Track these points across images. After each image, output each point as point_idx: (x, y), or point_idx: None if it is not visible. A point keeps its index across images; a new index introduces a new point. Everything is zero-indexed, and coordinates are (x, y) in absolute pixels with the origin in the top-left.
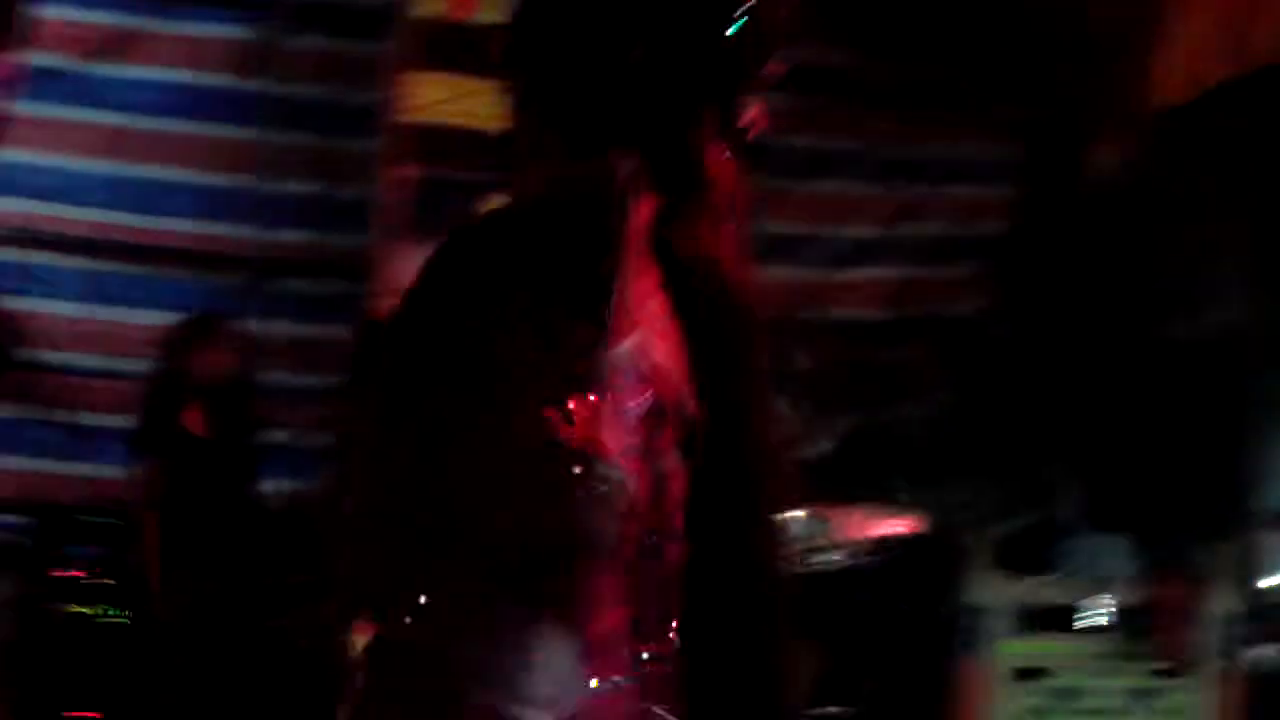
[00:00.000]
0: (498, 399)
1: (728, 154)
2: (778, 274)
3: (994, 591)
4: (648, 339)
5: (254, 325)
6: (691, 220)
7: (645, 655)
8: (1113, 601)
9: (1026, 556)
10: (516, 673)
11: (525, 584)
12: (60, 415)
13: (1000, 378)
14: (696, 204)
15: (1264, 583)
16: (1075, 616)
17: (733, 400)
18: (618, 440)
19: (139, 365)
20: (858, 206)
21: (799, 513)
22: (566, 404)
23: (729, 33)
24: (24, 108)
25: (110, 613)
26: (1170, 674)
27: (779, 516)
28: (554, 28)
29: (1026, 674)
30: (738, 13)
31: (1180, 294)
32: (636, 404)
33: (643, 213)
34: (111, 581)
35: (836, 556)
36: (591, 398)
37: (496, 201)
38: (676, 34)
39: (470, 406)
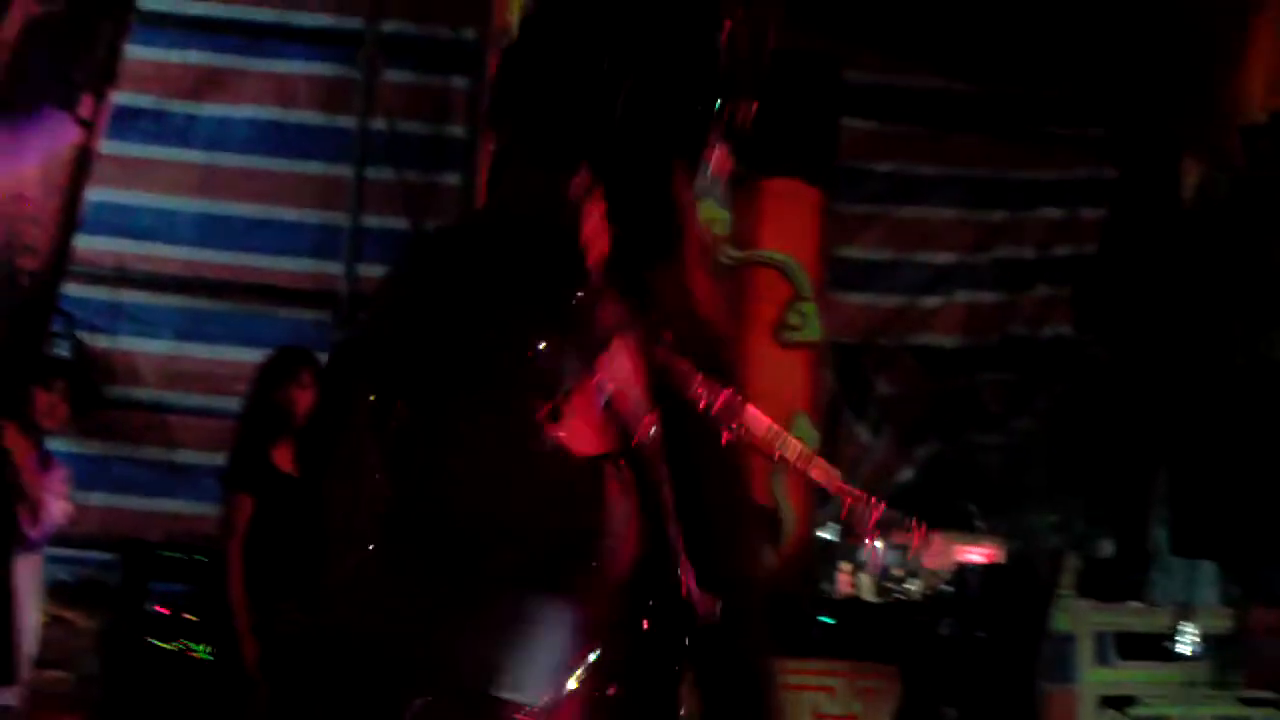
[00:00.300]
0: (484, 400)
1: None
2: (860, 300)
3: (1079, 619)
4: (614, 364)
5: None
6: (667, 266)
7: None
8: (1200, 629)
9: (1113, 584)
10: (504, 660)
11: (521, 577)
12: (149, 452)
13: (1087, 402)
14: (672, 250)
15: None
16: (1163, 644)
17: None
18: (594, 445)
19: (229, 402)
20: (941, 232)
21: (879, 542)
22: (546, 407)
23: (701, 86)
24: (115, 147)
25: (195, 649)
26: (1259, 702)
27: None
28: (539, 70)
29: (1113, 702)
30: (709, 65)
31: (1271, 314)
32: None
33: (599, 235)
34: (196, 618)
35: (916, 585)
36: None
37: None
38: (654, 87)
39: (458, 408)
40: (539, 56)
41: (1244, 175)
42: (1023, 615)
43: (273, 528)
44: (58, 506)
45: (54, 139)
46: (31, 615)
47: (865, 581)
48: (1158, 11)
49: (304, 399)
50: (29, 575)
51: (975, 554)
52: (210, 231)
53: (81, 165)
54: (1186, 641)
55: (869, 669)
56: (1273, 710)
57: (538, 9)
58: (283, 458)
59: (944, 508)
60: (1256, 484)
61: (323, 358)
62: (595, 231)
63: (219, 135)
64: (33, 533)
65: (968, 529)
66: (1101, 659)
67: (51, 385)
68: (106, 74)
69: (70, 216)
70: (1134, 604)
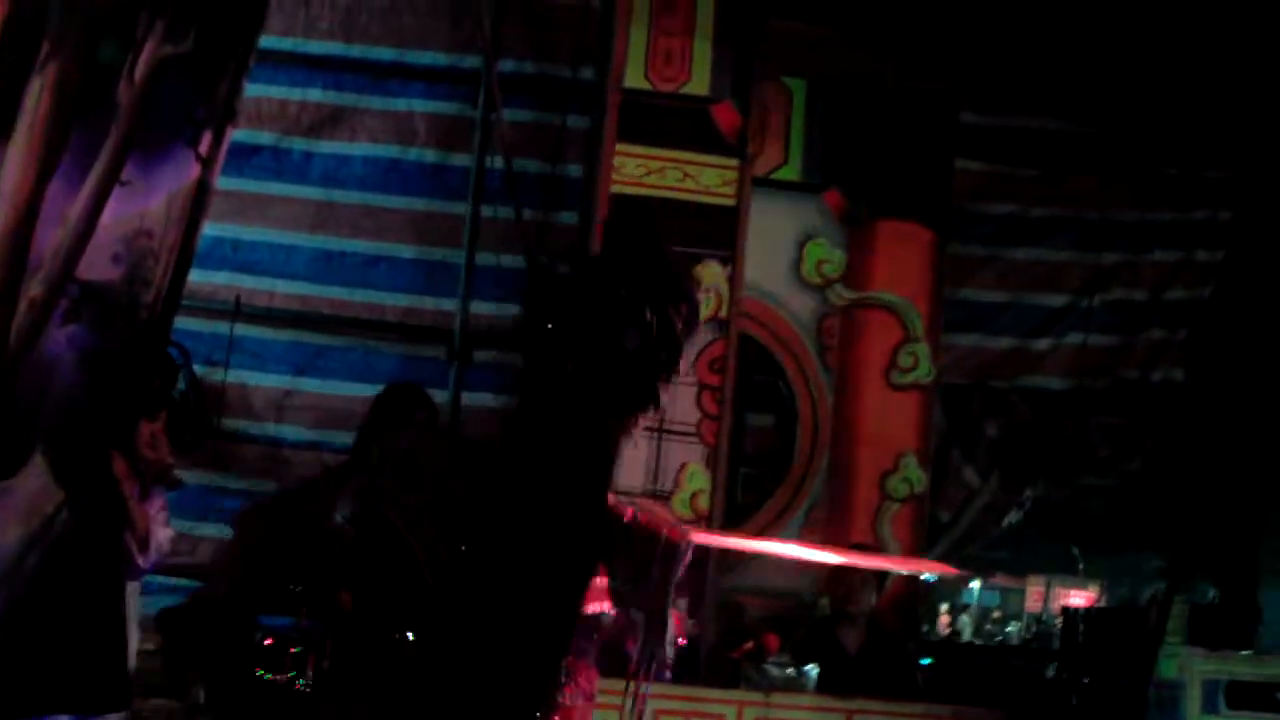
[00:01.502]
0: None
1: None
2: (971, 342)
3: (1187, 666)
4: None
5: (455, 397)
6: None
7: None
8: None
9: (1222, 630)
10: None
11: None
12: (261, 485)
13: (1196, 447)
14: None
15: None
16: (1274, 694)
17: None
18: None
19: (342, 436)
20: (1055, 273)
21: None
22: None
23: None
24: (234, 183)
25: (300, 680)
26: None
27: None
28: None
29: None
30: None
31: None
32: None
33: None
34: (301, 649)
35: (1016, 628)
36: None
37: None
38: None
39: None
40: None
41: None
42: (1129, 661)
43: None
44: (163, 534)
45: (179, 177)
46: (134, 642)
47: (965, 623)
48: (1273, 53)
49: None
50: (132, 603)
51: (1080, 597)
52: (326, 267)
53: (199, 201)
54: None
55: (973, 714)
56: None
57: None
58: None
59: (1049, 550)
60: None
61: (436, 394)
62: None
63: (336, 172)
64: (141, 561)
65: (1072, 572)
66: (1210, 708)
67: (155, 416)
68: (228, 111)
69: (187, 251)
70: (1244, 652)
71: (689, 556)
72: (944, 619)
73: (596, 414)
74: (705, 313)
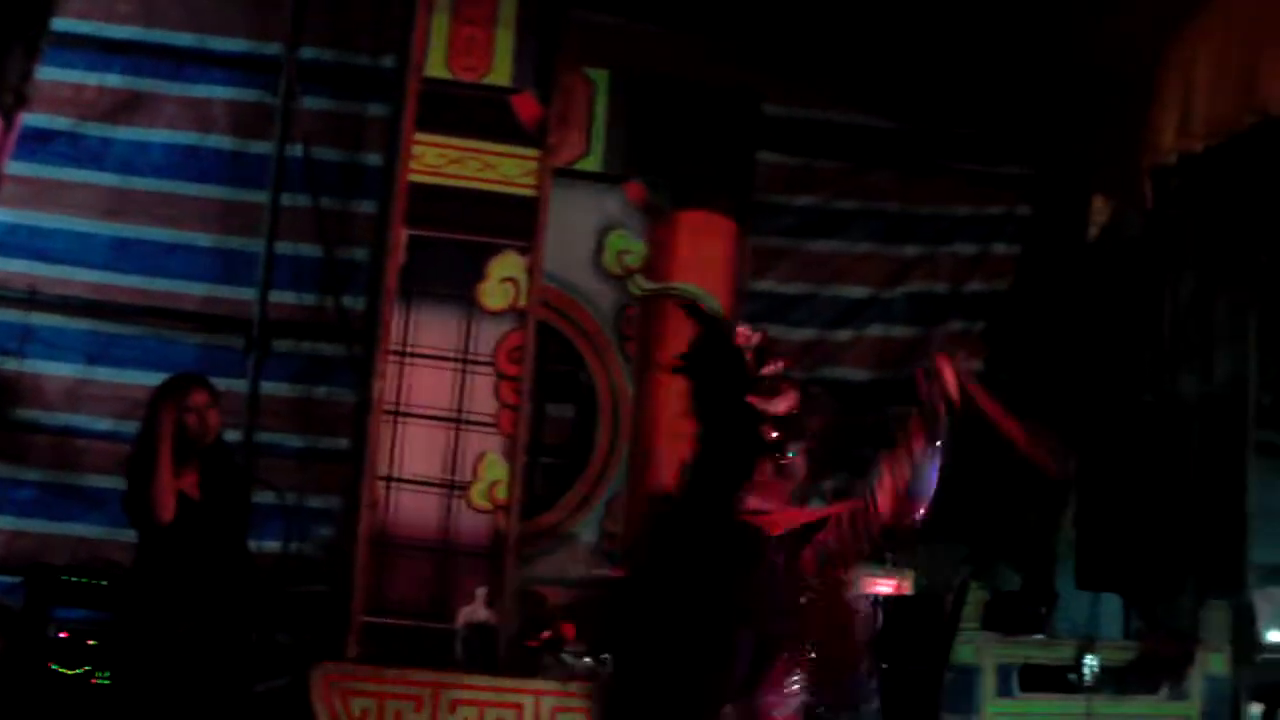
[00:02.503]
0: None
1: None
2: (772, 333)
3: (983, 651)
4: None
5: (254, 386)
6: None
7: None
8: (1102, 661)
9: (1017, 616)
10: None
11: None
12: (55, 476)
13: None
14: None
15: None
16: (1066, 676)
17: None
18: None
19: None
20: (855, 266)
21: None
22: None
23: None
24: (29, 169)
25: (96, 674)
26: None
27: None
28: None
29: None
30: None
31: (1179, 352)
32: None
33: None
34: (98, 643)
35: None
36: None
37: None
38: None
39: None
40: None
41: (1154, 214)
42: (926, 647)
43: (174, 550)
44: None
45: None
46: None
47: None
48: (1071, 54)
49: (204, 422)
50: None
51: (884, 585)
52: (122, 255)
53: None
54: (1088, 674)
55: None
56: None
57: None
58: (182, 482)
59: None
60: (1160, 520)
61: (234, 384)
62: None
63: (134, 159)
64: None
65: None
66: (1004, 691)
67: None
68: (18, 97)
69: None
70: (1037, 636)
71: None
72: None
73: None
74: (504, 303)
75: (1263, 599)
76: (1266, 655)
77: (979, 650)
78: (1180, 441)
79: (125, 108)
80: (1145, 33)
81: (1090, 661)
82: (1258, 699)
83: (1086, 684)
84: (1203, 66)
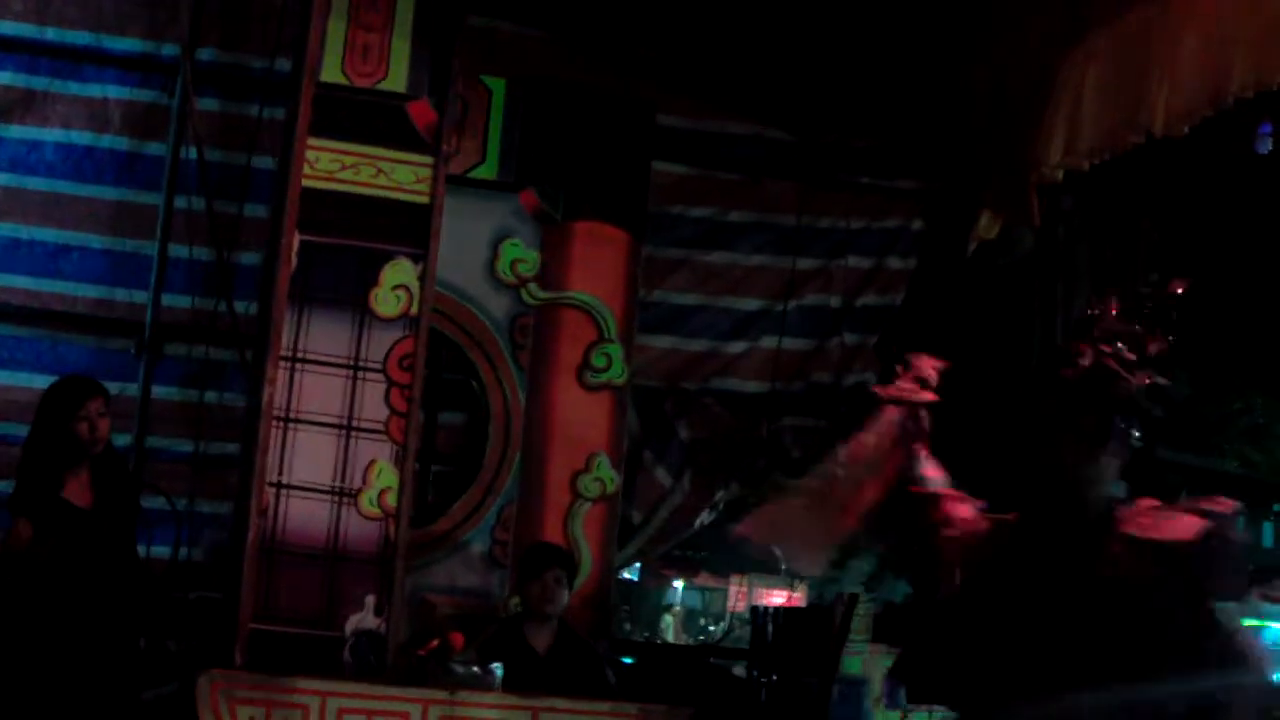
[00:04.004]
0: None
1: None
2: (666, 344)
3: (871, 663)
4: None
5: (145, 391)
6: None
7: None
8: None
9: (903, 628)
10: None
11: None
12: None
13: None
14: None
15: None
16: None
17: None
18: None
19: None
20: (750, 278)
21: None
22: None
23: None
24: None
25: None
26: None
27: None
28: None
29: None
30: None
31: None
32: None
33: None
34: None
35: (715, 627)
36: None
37: None
38: None
39: None
40: None
41: (1046, 232)
42: (815, 659)
43: (60, 555)
44: None
45: None
46: None
47: (669, 622)
48: (965, 70)
49: (95, 428)
50: None
51: (778, 597)
52: (14, 256)
53: None
54: None
55: (659, 711)
56: None
57: None
58: (72, 489)
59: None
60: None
61: (125, 387)
62: None
63: (27, 158)
64: None
65: (773, 571)
66: (891, 703)
67: None
68: None
69: None
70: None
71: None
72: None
73: None
74: (396, 310)
75: None
76: None
77: (866, 662)
78: None
79: (18, 106)
80: (1037, 51)
81: None
82: None
83: None
84: (1090, 86)
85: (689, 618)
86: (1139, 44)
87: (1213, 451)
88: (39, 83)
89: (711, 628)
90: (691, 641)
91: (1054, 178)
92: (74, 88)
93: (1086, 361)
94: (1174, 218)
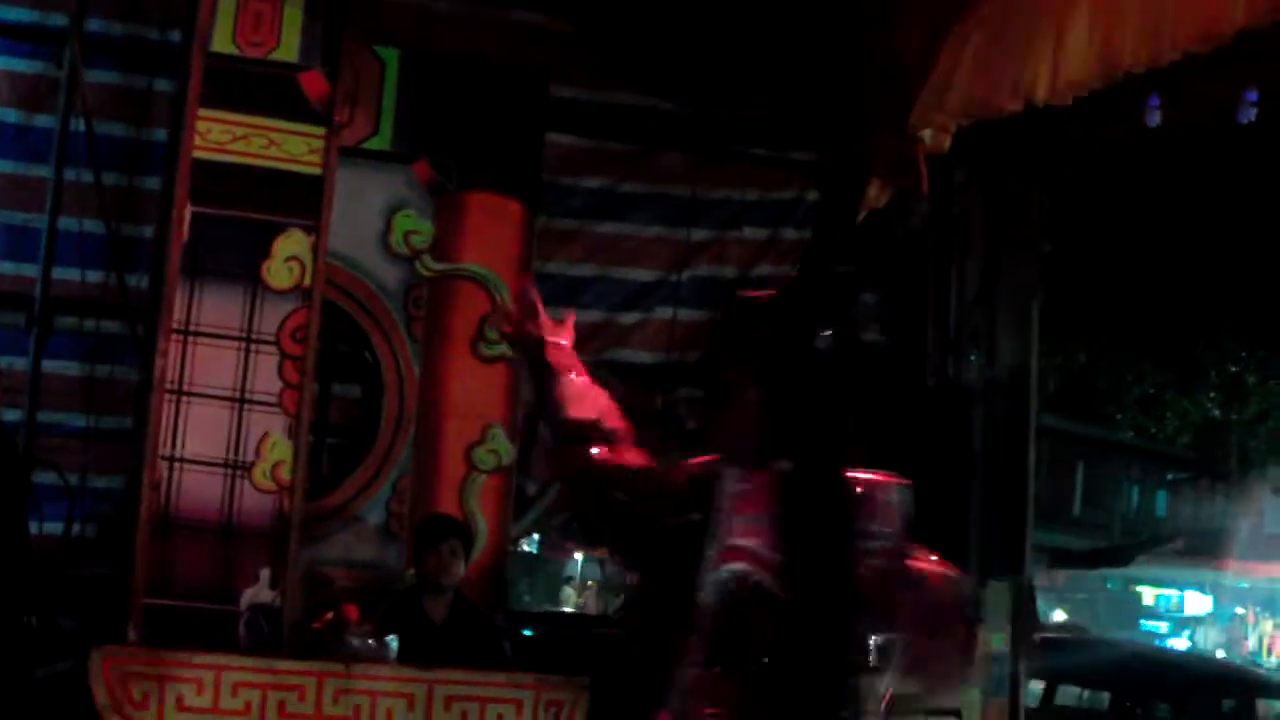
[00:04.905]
0: None
1: None
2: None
3: None
4: None
5: (36, 365)
6: None
7: None
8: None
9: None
10: None
11: None
12: None
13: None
14: None
15: (1035, 621)
16: None
17: None
18: None
19: None
20: (644, 249)
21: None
22: None
23: None
24: None
25: None
26: (942, 712)
27: None
28: None
29: None
30: None
31: (963, 337)
32: None
33: None
34: None
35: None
36: None
37: None
38: None
39: None
40: None
41: (940, 202)
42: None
43: None
44: None
45: None
46: None
47: (569, 594)
48: (853, 36)
49: None
50: None
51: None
52: None
53: None
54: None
55: (557, 681)
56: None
57: None
58: None
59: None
60: (943, 502)
61: (16, 362)
62: None
63: None
64: None
65: None
66: None
67: None
68: None
69: None
70: None
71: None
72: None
73: None
74: (289, 282)
75: (1044, 580)
76: (1046, 634)
77: None
78: (964, 426)
79: None
80: (928, 18)
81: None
82: (1038, 677)
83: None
84: (972, 48)
85: (601, 590)
86: (1028, 13)
87: (1107, 421)
88: None
89: (612, 599)
90: (607, 613)
91: (940, 145)
92: None
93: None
94: (1068, 189)
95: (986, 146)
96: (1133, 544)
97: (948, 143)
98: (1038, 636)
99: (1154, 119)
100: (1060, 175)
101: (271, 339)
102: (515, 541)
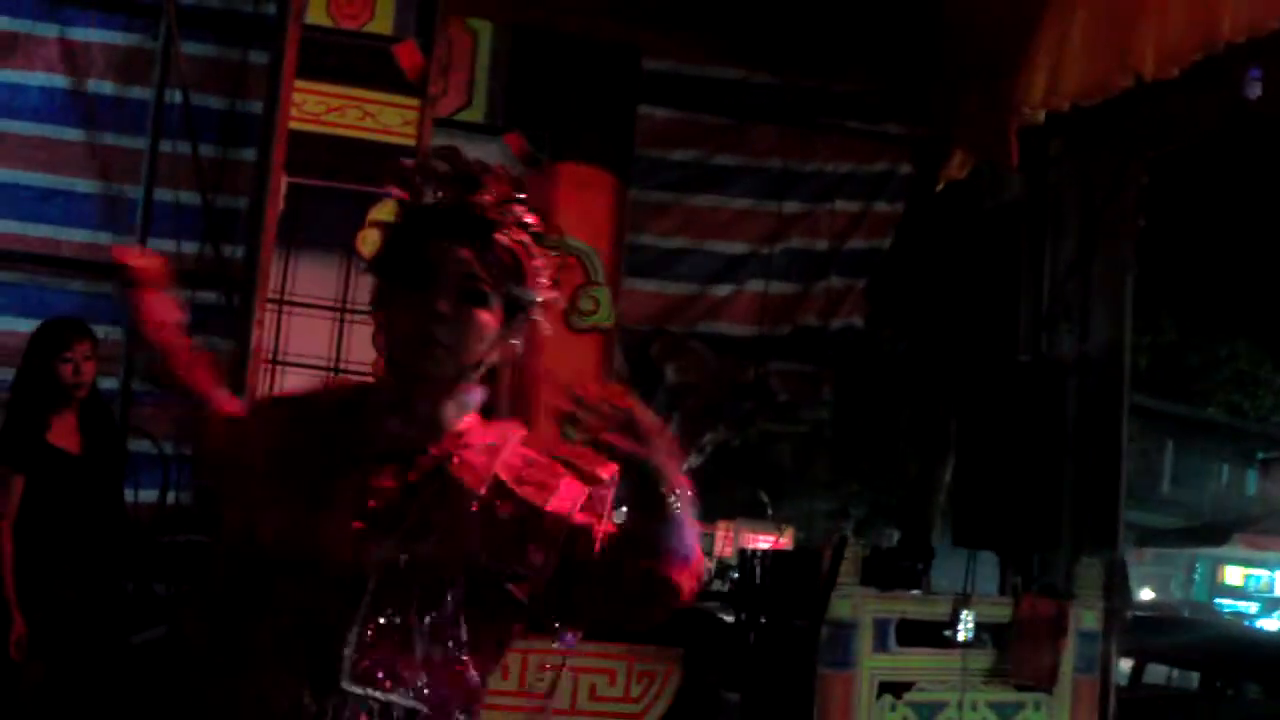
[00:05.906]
0: None
1: None
2: (652, 287)
3: (860, 606)
4: None
5: (130, 335)
6: None
7: None
8: (977, 618)
9: (894, 572)
10: None
11: None
12: None
13: (875, 393)
14: None
15: (1127, 598)
16: (941, 632)
17: None
18: None
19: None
20: (736, 221)
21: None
22: None
23: None
24: None
25: None
26: (1032, 689)
27: None
28: None
29: (891, 688)
30: None
31: (1056, 313)
32: None
33: None
34: None
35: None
36: None
37: None
38: None
39: None
40: None
41: (1035, 176)
42: (804, 602)
43: (47, 502)
44: None
45: None
46: None
47: None
48: (947, 12)
49: (80, 371)
50: None
51: (764, 541)
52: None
53: None
54: (964, 629)
55: (649, 652)
56: (1044, 695)
57: None
58: (58, 433)
59: (738, 494)
60: (1035, 479)
61: (112, 330)
62: None
63: (11, 102)
64: None
65: (760, 515)
66: (881, 645)
67: None
68: None
69: None
70: (914, 592)
71: None
72: None
73: None
74: None
75: (1134, 558)
76: (1137, 613)
77: (856, 605)
78: (1056, 402)
79: (2, 50)
80: None
81: (966, 617)
82: (1128, 655)
83: (962, 639)
84: (1078, 27)
85: None
86: None
87: (1196, 399)
88: (21, 25)
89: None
90: None
91: (1035, 120)
92: (56, 30)
93: None
94: (1165, 163)
95: (1082, 119)
96: (1223, 523)
97: (1042, 115)
98: (1129, 614)
99: (1254, 90)
100: (1158, 149)
101: (366, 309)
102: None
